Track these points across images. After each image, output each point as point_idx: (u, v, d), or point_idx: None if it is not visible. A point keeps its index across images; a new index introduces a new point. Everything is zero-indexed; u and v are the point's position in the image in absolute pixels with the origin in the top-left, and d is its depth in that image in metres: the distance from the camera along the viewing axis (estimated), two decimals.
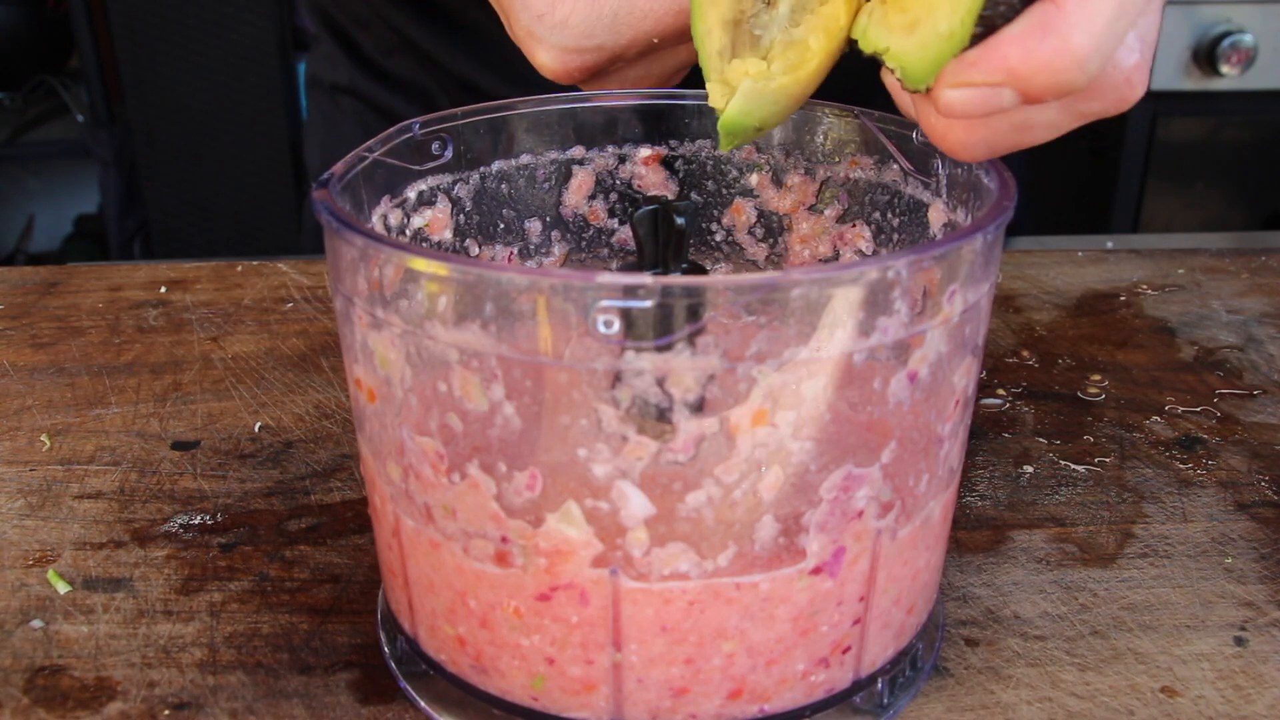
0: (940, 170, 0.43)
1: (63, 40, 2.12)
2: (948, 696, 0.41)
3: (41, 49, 2.16)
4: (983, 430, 0.58)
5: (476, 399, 0.34)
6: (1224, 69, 1.57)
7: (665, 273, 0.43)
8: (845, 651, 0.39)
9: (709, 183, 0.50)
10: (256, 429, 0.58)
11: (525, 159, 0.48)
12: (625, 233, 0.50)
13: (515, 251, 0.49)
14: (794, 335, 0.32)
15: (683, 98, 0.49)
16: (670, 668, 0.37)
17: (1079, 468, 0.55)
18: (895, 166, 0.45)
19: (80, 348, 0.66)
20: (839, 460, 0.35)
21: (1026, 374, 0.63)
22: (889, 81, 0.39)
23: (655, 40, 0.46)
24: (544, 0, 0.46)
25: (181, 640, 0.44)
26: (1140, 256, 0.78)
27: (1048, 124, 0.38)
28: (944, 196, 0.43)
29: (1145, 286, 0.74)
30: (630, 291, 0.31)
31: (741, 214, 0.50)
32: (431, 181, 0.45)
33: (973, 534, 0.50)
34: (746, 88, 0.40)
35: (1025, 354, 0.65)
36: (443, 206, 0.46)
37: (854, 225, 0.48)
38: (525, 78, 0.51)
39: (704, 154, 0.49)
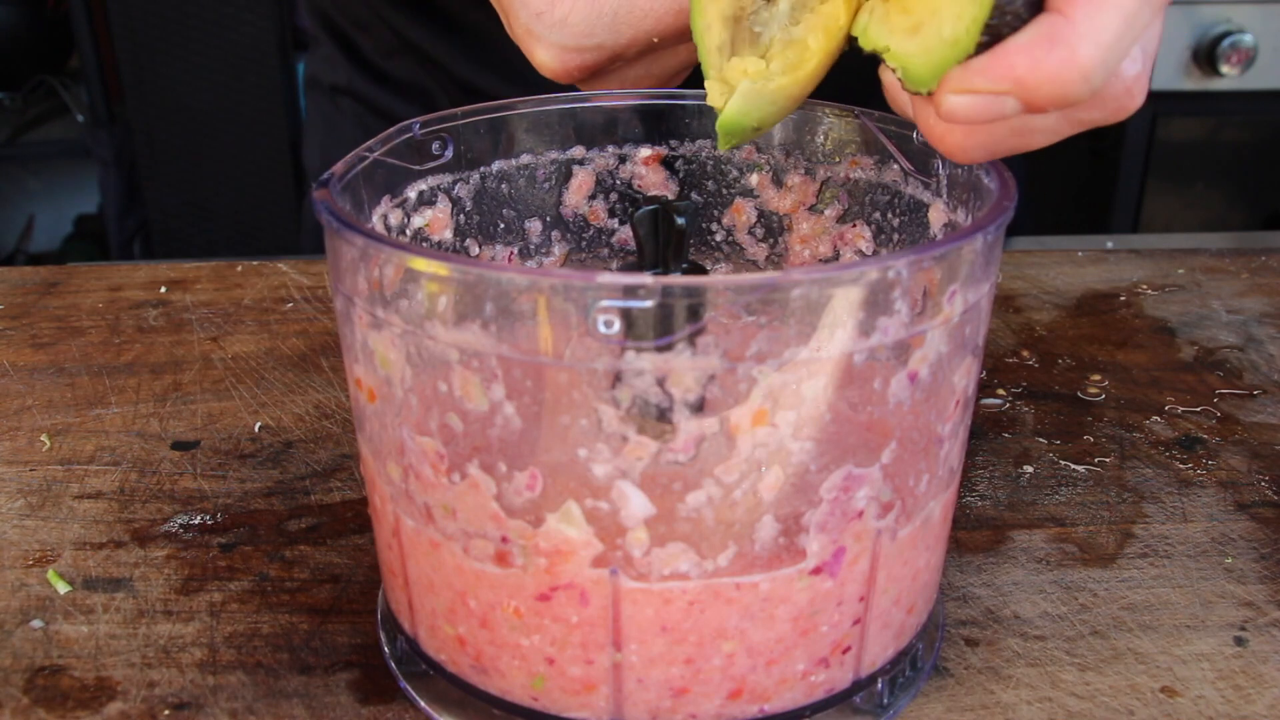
0: (940, 170, 0.43)
1: (63, 40, 2.12)
2: (948, 696, 0.41)
3: (41, 49, 2.16)
4: (983, 430, 0.58)
5: (477, 399, 0.34)
6: (1224, 69, 1.57)
7: (665, 273, 0.43)
8: (845, 651, 0.39)
9: (709, 183, 0.50)
10: (256, 429, 0.58)
11: (525, 159, 0.48)
12: (625, 233, 0.50)
13: (515, 251, 0.49)
14: (794, 335, 0.32)
15: (683, 98, 0.49)
16: (670, 668, 0.37)
17: (1079, 468, 0.55)
18: (895, 167, 0.45)
19: (80, 348, 0.66)
20: (839, 460, 0.35)
21: (1026, 374, 0.63)
22: (887, 79, 0.39)
23: (655, 40, 0.46)
24: None
25: (181, 640, 0.44)
26: (1140, 256, 0.78)
27: (1046, 130, 0.38)
28: (944, 197, 0.43)
29: (1145, 286, 0.74)
30: (630, 291, 0.31)
31: (742, 214, 0.50)
32: (432, 181, 0.45)
33: (973, 534, 0.50)
34: (745, 88, 0.40)
35: (1025, 354, 0.65)
36: (443, 206, 0.46)
37: (854, 225, 0.48)
38: (525, 78, 0.51)
39: (704, 154, 0.49)
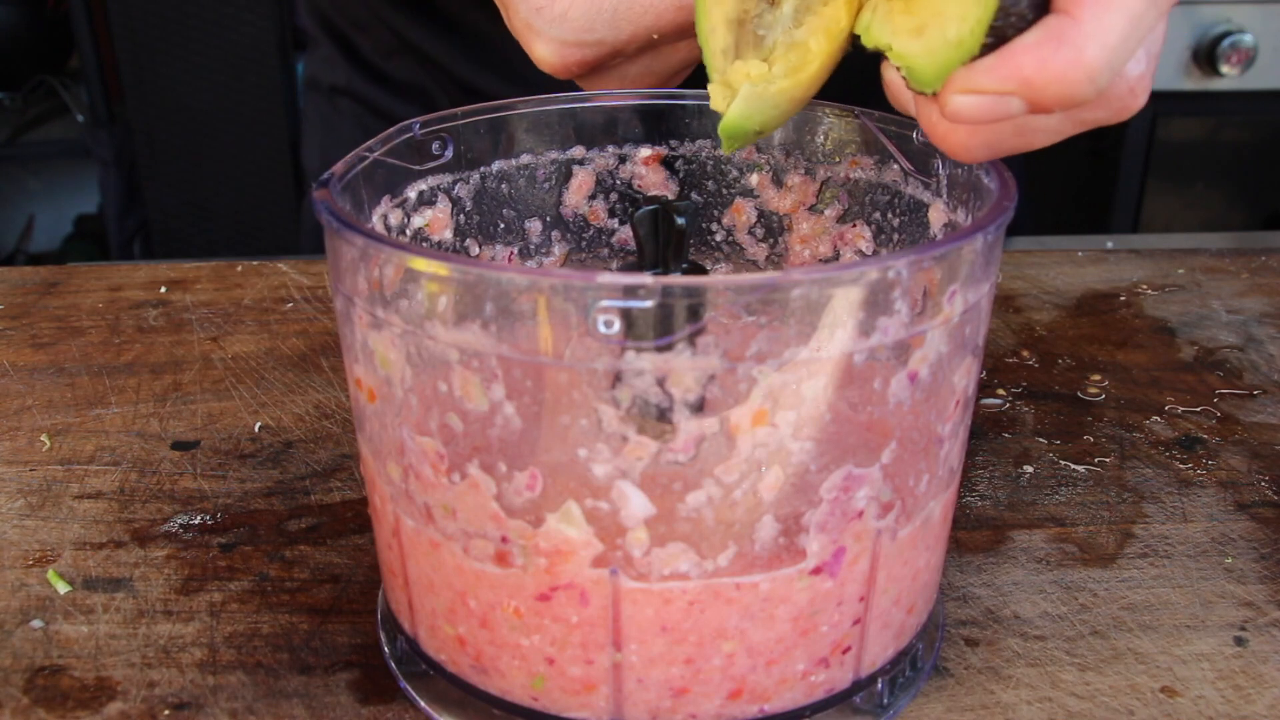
0: (940, 170, 0.43)
1: (63, 40, 2.12)
2: (948, 696, 0.41)
3: (41, 49, 2.16)
4: (983, 430, 0.58)
5: (477, 399, 0.34)
6: (1224, 69, 1.57)
7: (665, 273, 0.43)
8: (845, 651, 0.39)
9: (709, 183, 0.50)
10: (256, 429, 0.58)
11: (525, 159, 0.48)
12: (625, 233, 0.50)
13: (515, 251, 0.49)
14: (794, 335, 0.32)
15: (683, 98, 0.49)
16: (670, 668, 0.37)
17: (1079, 468, 0.55)
18: (895, 167, 0.45)
19: (80, 348, 0.66)
20: (839, 460, 0.35)
21: (1026, 374, 0.63)
22: (889, 76, 0.39)
23: (655, 37, 0.46)
24: None
25: (181, 640, 0.44)
26: (1140, 256, 0.78)
27: (1049, 130, 0.38)
28: (944, 197, 0.43)
29: (1145, 286, 0.74)
30: (630, 291, 0.31)
31: (742, 214, 0.50)
32: (432, 181, 0.45)
33: (973, 534, 0.50)
34: (746, 91, 0.40)
35: (1025, 354, 0.65)
36: (443, 206, 0.46)
37: (854, 225, 0.48)
38: (525, 78, 0.51)
39: (704, 154, 0.49)
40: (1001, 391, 0.61)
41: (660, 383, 0.32)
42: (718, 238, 0.51)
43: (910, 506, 0.38)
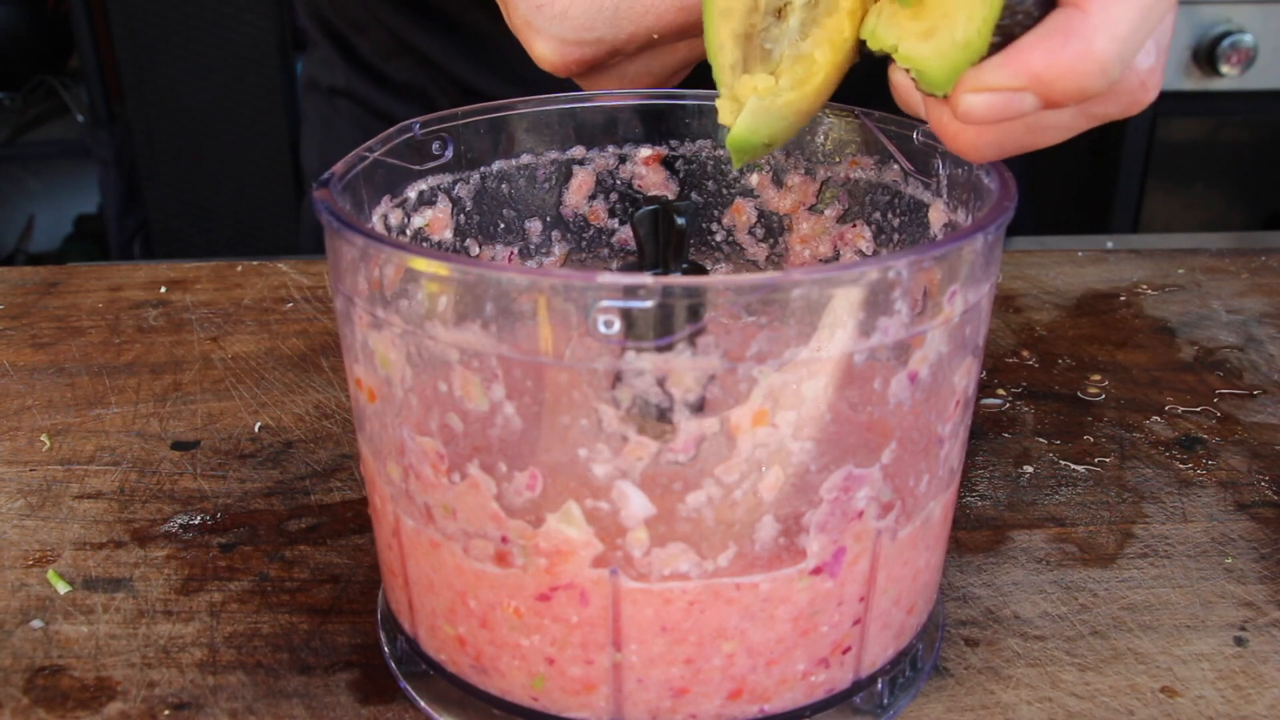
0: (941, 170, 0.43)
1: (63, 40, 2.12)
2: (948, 696, 0.41)
3: (41, 49, 2.16)
4: (983, 430, 0.58)
5: (477, 399, 0.34)
6: (1224, 69, 1.57)
7: (666, 273, 0.43)
8: (845, 652, 0.39)
9: (709, 183, 0.50)
10: (256, 429, 0.58)
11: (525, 159, 0.48)
12: (626, 233, 0.50)
13: (515, 251, 0.49)
14: (794, 335, 0.32)
15: (683, 98, 0.49)
16: (670, 668, 0.37)
17: (1079, 468, 0.55)
18: (895, 167, 0.45)
19: (80, 348, 0.66)
20: (839, 460, 0.35)
21: (1026, 374, 0.63)
22: (897, 79, 0.39)
23: (655, 36, 0.46)
24: None
25: (181, 640, 0.44)
26: (1140, 256, 0.78)
27: (1061, 126, 0.38)
28: (944, 197, 0.43)
29: (1145, 286, 0.74)
30: (631, 291, 0.31)
31: (742, 214, 0.50)
32: (432, 181, 0.45)
33: (973, 534, 0.50)
34: (753, 104, 0.40)
35: (1025, 354, 0.65)
36: (443, 206, 0.46)
37: (854, 225, 0.47)
38: (525, 79, 0.51)
39: (704, 154, 0.49)
40: (1001, 391, 0.61)
41: (660, 383, 0.32)
42: (718, 238, 0.51)
43: (910, 506, 0.38)
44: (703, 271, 0.47)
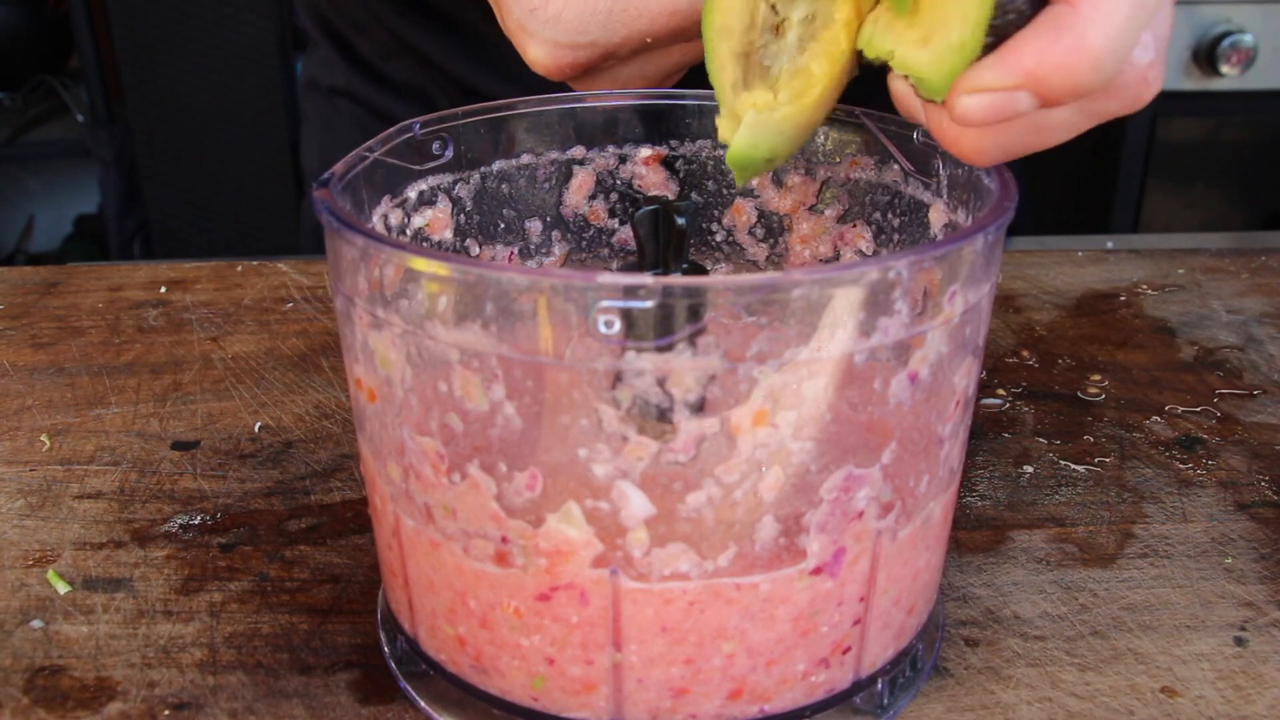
0: (941, 170, 0.43)
1: (63, 40, 2.12)
2: (948, 696, 0.41)
3: (41, 49, 2.16)
4: (983, 430, 0.58)
5: (477, 399, 0.34)
6: (1224, 69, 1.57)
7: (666, 273, 0.43)
8: (845, 652, 0.39)
9: (709, 183, 0.50)
10: (256, 429, 0.58)
11: (526, 159, 0.48)
12: (626, 233, 0.50)
13: (516, 251, 0.49)
14: (795, 335, 0.32)
15: (683, 98, 0.49)
16: (670, 668, 0.37)
17: (1079, 468, 0.55)
18: (896, 167, 0.45)
19: (80, 348, 0.66)
20: (839, 461, 0.35)
21: (1026, 374, 0.63)
22: (896, 87, 0.39)
23: (649, 40, 0.46)
24: None
25: (181, 640, 0.44)
26: (1140, 256, 0.78)
27: (1063, 125, 0.37)
28: (944, 197, 0.43)
29: (1145, 286, 0.74)
30: (631, 292, 0.31)
31: (742, 214, 0.50)
32: (432, 181, 0.45)
33: (973, 534, 0.50)
34: (749, 119, 0.40)
35: (1025, 354, 0.65)
36: (443, 206, 0.46)
37: (854, 225, 0.47)
38: (524, 79, 0.51)
39: (704, 154, 0.49)
40: (1001, 391, 0.61)
41: (660, 383, 0.32)
42: (718, 238, 0.51)
43: (910, 507, 0.38)
44: (703, 271, 0.47)
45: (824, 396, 0.34)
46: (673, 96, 0.49)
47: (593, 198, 0.50)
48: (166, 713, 0.41)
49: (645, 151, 0.49)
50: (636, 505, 0.34)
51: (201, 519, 0.51)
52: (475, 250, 0.48)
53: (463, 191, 0.47)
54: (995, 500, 0.52)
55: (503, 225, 0.48)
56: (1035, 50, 0.33)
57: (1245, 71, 1.58)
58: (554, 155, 0.48)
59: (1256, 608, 0.46)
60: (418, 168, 0.45)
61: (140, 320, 0.69)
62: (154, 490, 0.53)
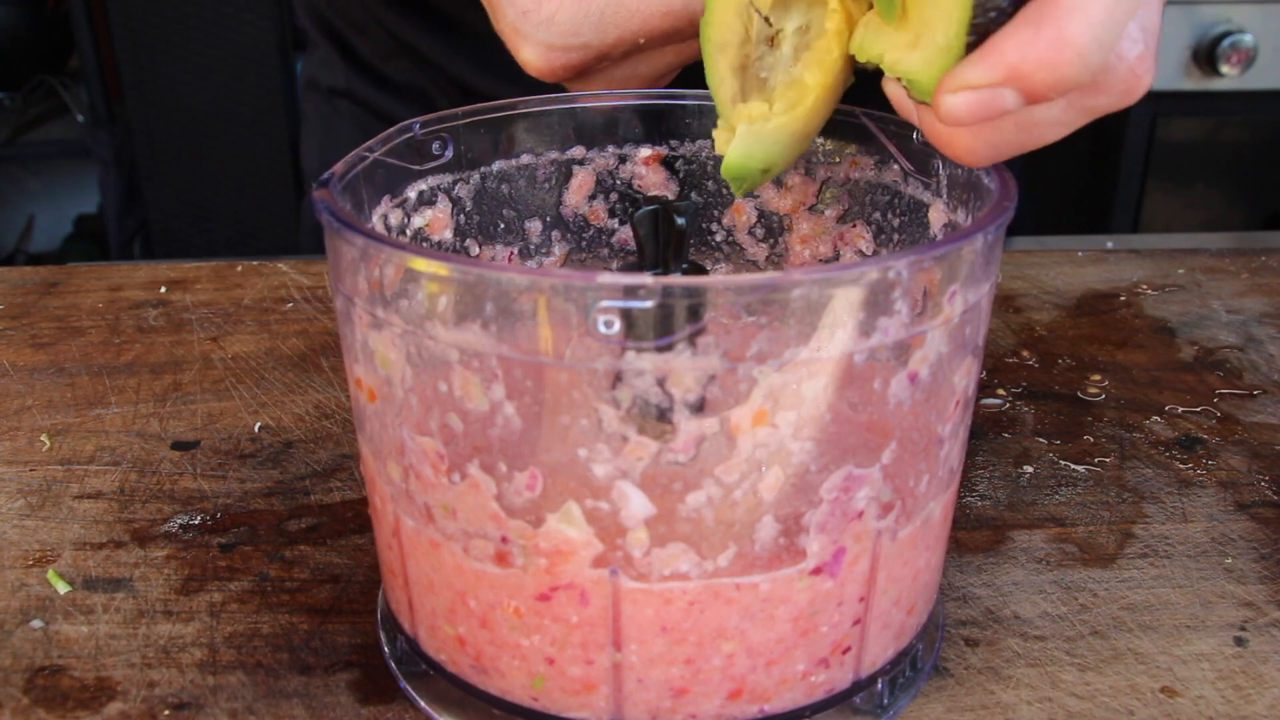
0: (940, 171, 0.43)
1: (63, 40, 2.12)
2: (948, 696, 0.41)
3: (41, 49, 2.16)
4: (983, 430, 0.58)
5: (477, 399, 0.34)
6: (1224, 69, 1.57)
7: (666, 273, 0.43)
8: (845, 652, 0.39)
9: (709, 183, 0.50)
10: (256, 429, 0.58)
11: (526, 159, 0.48)
12: (626, 233, 0.50)
13: (515, 251, 0.49)
14: (794, 335, 0.32)
15: (683, 98, 0.49)
16: (670, 668, 0.37)
17: (1079, 468, 0.55)
18: (895, 167, 0.45)
19: (80, 348, 0.66)
20: (839, 461, 0.35)
21: (1026, 374, 0.63)
22: (891, 91, 0.39)
23: (642, 41, 0.46)
24: None
25: (181, 640, 0.44)
26: (1140, 256, 0.78)
27: (1054, 122, 0.37)
28: (944, 197, 0.43)
29: (1145, 286, 0.74)
30: (631, 292, 0.31)
31: (742, 214, 0.50)
32: (432, 181, 0.45)
33: (973, 534, 0.50)
34: (743, 130, 0.40)
35: (1025, 354, 0.65)
36: (443, 206, 0.46)
37: (854, 225, 0.48)
38: (524, 79, 0.51)
39: (704, 154, 0.49)
40: (1001, 391, 0.61)
41: (660, 383, 0.32)
42: (718, 238, 0.51)
43: (910, 507, 0.38)
44: (703, 271, 0.47)
45: (824, 396, 0.34)
46: (672, 96, 0.49)
47: (593, 198, 0.50)
48: (166, 713, 0.41)
49: (645, 151, 0.49)
50: (636, 505, 0.34)
51: (201, 519, 0.51)
52: (475, 250, 0.48)
53: (463, 191, 0.47)
54: (995, 500, 0.52)
55: (503, 225, 0.48)
56: (1016, 45, 0.33)
57: (1245, 71, 1.58)
58: (554, 155, 0.48)
59: (1256, 608, 0.46)
60: (418, 168, 0.45)
61: (140, 320, 0.69)
62: (154, 490, 0.53)
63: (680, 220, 0.43)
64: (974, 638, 0.44)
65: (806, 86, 0.40)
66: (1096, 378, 0.63)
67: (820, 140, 0.47)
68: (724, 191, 0.50)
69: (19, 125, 2.12)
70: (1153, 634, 0.44)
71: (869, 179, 0.47)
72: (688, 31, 0.46)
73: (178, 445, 0.56)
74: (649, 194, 0.50)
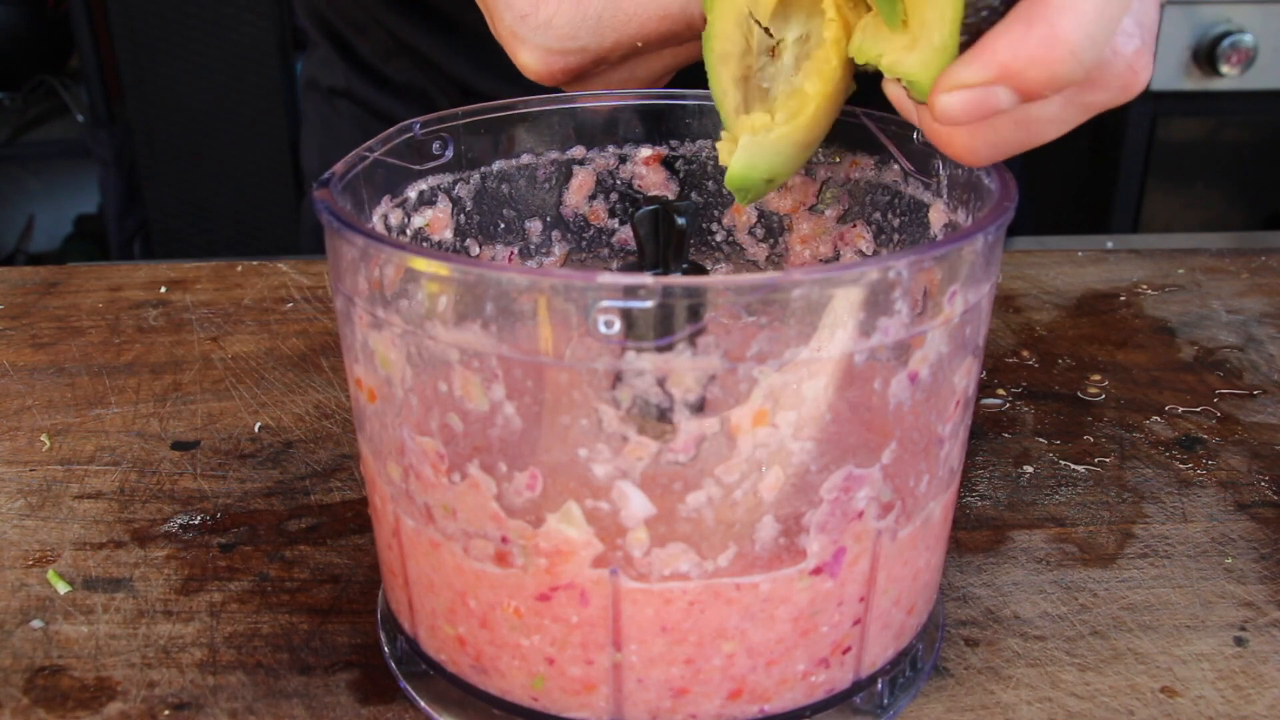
0: (941, 171, 0.43)
1: (63, 40, 2.12)
2: (948, 696, 0.41)
3: (41, 49, 2.16)
4: (983, 430, 0.58)
5: (477, 399, 0.34)
6: (1224, 69, 1.57)
7: (666, 273, 0.43)
8: (845, 652, 0.39)
9: (709, 183, 0.50)
10: (256, 429, 0.58)
11: (526, 159, 0.48)
12: (626, 233, 0.50)
13: (516, 251, 0.49)
14: (795, 335, 0.32)
15: (683, 98, 0.49)
16: (670, 668, 0.37)
17: (1079, 468, 0.55)
18: (896, 167, 0.45)
19: (80, 348, 0.66)
20: (839, 461, 0.35)
21: (1026, 374, 0.63)
22: (892, 93, 0.39)
23: (639, 44, 0.46)
24: (528, 1, 0.46)
25: (181, 640, 0.44)
26: (1140, 256, 0.78)
27: (1053, 119, 0.37)
28: (944, 197, 0.43)
29: (1145, 286, 0.74)
30: (631, 292, 0.31)
31: (742, 214, 0.50)
32: (432, 181, 0.45)
33: (973, 534, 0.50)
34: (745, 141, 0.41)
35: (1025, 354, 0.65)
36: (443, 206, 0.46)
37: (854, 226, 0.48)
38: (523, 80, 0.51)
39: (704, 154, 0.49)
40: (1001, 391, 0.61)
41: (660, 383, 0.32)
42: (718, 238, 0.51)
43: (910, 507, 0.38)
44: (703, 271, 0.47)
45: (824, 396, 0.34)
46: (673, 96, 0.49)
47: (593, 198, 0.50)
48: (166, 713, 0.41)
49: (645, 151, 0.49)
50: (636, 505, 0.34)
51: (201, 519, 0.51)
52: (475, 250, 0.48)
53: (463, 191, 0.47)
54: (995, 500, 0.52)
55: (503, 225, 0.48)
56: (1008, 43, 0.33)
57: (1245, 71, 1.58)
58: (554, 155, 0.48)
59: (1256, 608, 0.46)
60: (418, 168, 0.45)
61: (140, 320, 0.69)
62: (154, 490, 0.53)
63: (680, 220, 0.43)
64: (974, 638, 0.44)
65: (807, 96, 0.40)
66: (1096, 378, 0.63)
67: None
68: (724, 191, 0.50)
69: (19, 125, 2.13)
70: (1153, 634, 0.44)
71: (869, 179, 0.47)
72: (685, 35, 0.46)
73: (178, 445, 0.56)
74: (649, 194, 0.50)
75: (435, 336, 0.34)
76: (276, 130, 1.87)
